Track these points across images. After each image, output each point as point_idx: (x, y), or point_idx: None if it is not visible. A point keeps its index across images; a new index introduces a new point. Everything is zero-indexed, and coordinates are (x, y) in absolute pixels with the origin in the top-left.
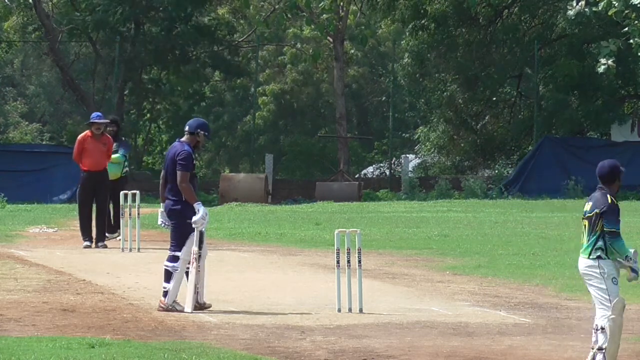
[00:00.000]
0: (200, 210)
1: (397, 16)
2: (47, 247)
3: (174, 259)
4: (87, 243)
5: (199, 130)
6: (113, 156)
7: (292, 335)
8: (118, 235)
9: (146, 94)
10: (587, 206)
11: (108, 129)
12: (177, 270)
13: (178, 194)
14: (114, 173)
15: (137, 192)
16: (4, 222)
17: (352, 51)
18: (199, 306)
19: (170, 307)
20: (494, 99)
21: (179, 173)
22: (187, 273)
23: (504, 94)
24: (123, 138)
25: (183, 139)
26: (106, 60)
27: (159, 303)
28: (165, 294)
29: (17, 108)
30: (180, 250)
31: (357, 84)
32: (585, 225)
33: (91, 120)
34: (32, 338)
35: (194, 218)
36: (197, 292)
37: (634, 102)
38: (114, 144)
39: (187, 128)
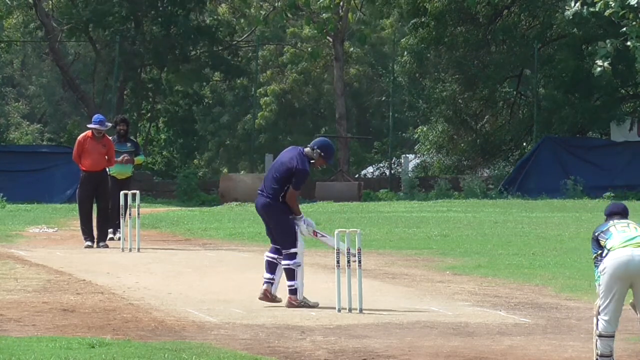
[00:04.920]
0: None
1: (396, 12)
2: (47, 247)
3: (290, 256)
4: (89, 243)
5: (316, 147)
6: (137, 158)
7: (292, 335)
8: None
9: (146, 94)
10: (627, 220)
11: (118, 127)
12: (299, 265)
13: (277, 194)
14: (124, 172)
15: (137, 192)
16: (4, 222)
17: (352, 49)
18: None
19: (302, 303)
20: (494, 97)
21: (292, 189)
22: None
23: (504, 94)
24: (132, 137)
25: (306, 150)
26: (106, 60)
27: (289, 300)
28: (292, 291)
29: (18, 109)
30: (294, 247)
31: (358, 83)
32: (637, 229)
33: (93, 125)
34: (32, 338)
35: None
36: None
37: (633, 102)
38: (128, 144)
39: (310, 144)
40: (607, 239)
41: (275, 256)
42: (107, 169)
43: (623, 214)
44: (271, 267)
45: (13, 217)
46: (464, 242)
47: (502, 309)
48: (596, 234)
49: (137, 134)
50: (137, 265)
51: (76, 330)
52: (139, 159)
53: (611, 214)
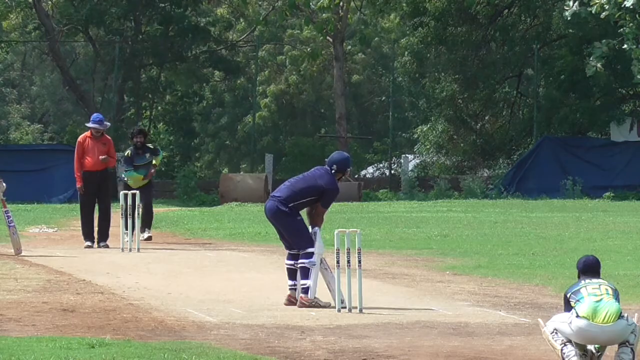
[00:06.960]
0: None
1: (397, 11)
2: (47, 247)
3: (307, 255)
4: (89, 243)
5: (334, 165)
6: (156, 158)
7: (292, 335)
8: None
9: (145, 94)
10: (599, 281)
11: (135, 139)
12: (314, 265)
13: (290, 201)
14: (140, 177)
15: (137, 192)
16: (3, 222)
17: (350, 48)
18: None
19: (313, 303)
20: (494, 97)
21: (321, 207)
22: (290, 270)
23: (504, 94)
24: (151, 146)
25: (333, 170)
26: (106, 59)
27: (300, 299)
28: (304, 290)
29: (19, 110)
30: (311, 246)
31: (359, 78)
32: (607, 291)
33: (92, 125)
34: (32, 338)
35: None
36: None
37: (633, 102)
38: (147, 155)
39: (335, 166)
40: (577, 302)
41: (293, 262)
42: (122, 175)
43: (595, 271)
44: (291, 273)
45: (13, 217)
46: (464, 242)
47: (502, 309)
48: (568, 295)
49: None
50: (137, 265)
51: (76, 330)
52: (158, 159)
53: (584, 272)
